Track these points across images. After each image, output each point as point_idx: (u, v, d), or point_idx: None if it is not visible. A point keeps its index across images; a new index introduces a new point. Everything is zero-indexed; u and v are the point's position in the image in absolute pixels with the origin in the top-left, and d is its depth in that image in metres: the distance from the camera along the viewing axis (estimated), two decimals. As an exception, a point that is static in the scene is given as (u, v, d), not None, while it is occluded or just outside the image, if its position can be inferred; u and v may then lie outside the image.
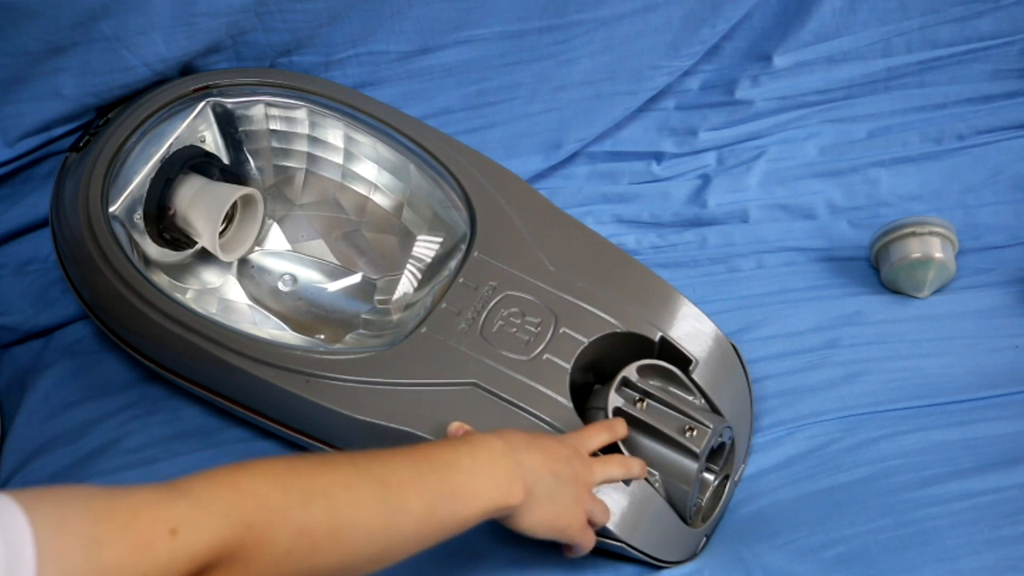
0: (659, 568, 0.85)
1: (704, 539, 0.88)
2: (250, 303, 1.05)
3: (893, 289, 1.09)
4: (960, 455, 0.90)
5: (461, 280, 0.92)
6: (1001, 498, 0.85)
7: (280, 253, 1.08)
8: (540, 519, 0.73)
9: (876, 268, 1.10)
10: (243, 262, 1.06)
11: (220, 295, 1.04)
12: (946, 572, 0.79)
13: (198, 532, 0.55)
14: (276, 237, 1.08)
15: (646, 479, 0.84)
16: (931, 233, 1.05)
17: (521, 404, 0.85)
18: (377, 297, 1.04)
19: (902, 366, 1.00)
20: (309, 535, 0.60)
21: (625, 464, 0.80)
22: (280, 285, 1.06)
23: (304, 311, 1.05)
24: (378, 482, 0.65)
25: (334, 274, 1.07)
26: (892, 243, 1.06)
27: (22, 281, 1.10)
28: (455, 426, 0.82)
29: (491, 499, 0.69)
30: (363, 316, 1.02)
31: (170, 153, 0.99)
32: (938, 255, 1.05)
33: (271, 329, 1.02)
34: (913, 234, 1.05)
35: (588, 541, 0.78)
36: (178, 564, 0.54)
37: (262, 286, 1.06)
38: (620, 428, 0.83)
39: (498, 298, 0.91)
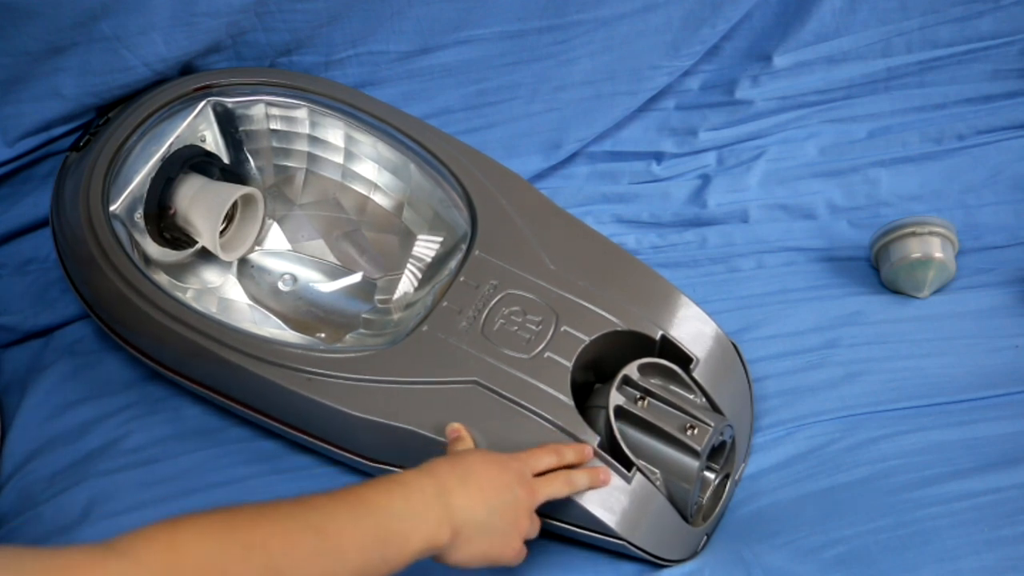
0: (660, 566, 0.85)
1: (705, 538, 0.88)
2: (250, 303, 1.05)
3: (893, 289, 1.09)
4: (960, 455, 0.90)
5: (462, 279, 0.92)
6: (1001, 498, 0.85)
7: (280, 253, 1.08)
8: (470, 555, 0.73)
9: (876, 268, 1.10)
10: (243, 262, 1.06)
11: (220, 295, 1.04)
12: (946, 572, 0.79)
13: None
14: (276, 237, 1.08)
15: (646, 476, 0.84)
16: (931, 233, 1.05)
17: (522, 402, 0.85)
18: (377, 297, 1.04)
19: (902, 366, 1.00)
20: None
21: (570, 481, 0.80)
22: (280, 285, 1.06)
23: (304, 311, 1.05)
24: (316, 531, 0.64)
25: (334, 274, 1.07)
26: (892, 243, 1.06)
27: (22, 281, 1.10)
28: (453, 427, 0.82)
29: (420, 542, 0.69)
30: (363, 316, 1.02)
31: (170, 152, 0.99)
32: (938, 255, 1.05)
33: (271, 329, 1.02)
34: (913, 234, 1.05)
35: (520, 560, 0.78)
36: None
37: (262, 286, 1.06)
38: (568, 453, 0.82)
39: (499, 296, 0.91)
